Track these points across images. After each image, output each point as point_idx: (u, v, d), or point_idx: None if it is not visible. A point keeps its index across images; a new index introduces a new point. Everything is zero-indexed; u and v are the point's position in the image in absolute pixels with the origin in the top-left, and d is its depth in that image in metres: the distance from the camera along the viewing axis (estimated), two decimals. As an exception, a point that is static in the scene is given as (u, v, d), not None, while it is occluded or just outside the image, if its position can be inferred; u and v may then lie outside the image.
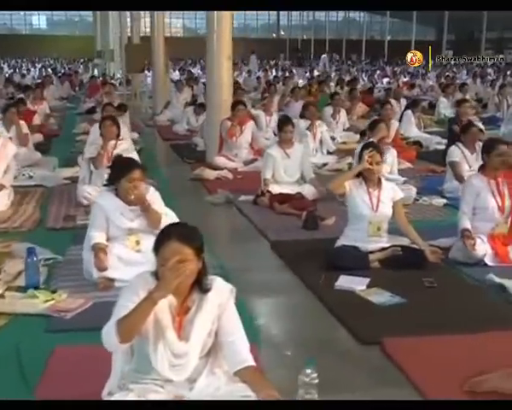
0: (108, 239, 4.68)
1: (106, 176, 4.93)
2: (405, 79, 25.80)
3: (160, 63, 15.83)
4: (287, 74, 25.53)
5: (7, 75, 25.75)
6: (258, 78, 23.49)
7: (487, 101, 16.26)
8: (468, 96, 15.91)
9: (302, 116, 9.41)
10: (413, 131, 11.19)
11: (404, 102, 13.40)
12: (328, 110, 11.26)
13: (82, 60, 41.19)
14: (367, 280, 4.72)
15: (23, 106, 11.00)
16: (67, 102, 18.80)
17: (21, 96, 13.13)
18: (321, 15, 56.46)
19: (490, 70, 31.21)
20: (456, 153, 7.19)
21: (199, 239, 2.85)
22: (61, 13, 56.97)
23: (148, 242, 4.67)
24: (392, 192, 5.14)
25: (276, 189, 7.02)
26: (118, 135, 7.10)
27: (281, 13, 59.95)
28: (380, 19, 56.25)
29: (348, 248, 5.07)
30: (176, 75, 27.42)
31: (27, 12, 56.29)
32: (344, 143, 10.75)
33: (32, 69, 32.52)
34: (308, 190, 6.98)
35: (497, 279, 4.66)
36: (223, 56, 9.03)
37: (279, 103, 14.30)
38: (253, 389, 2.75)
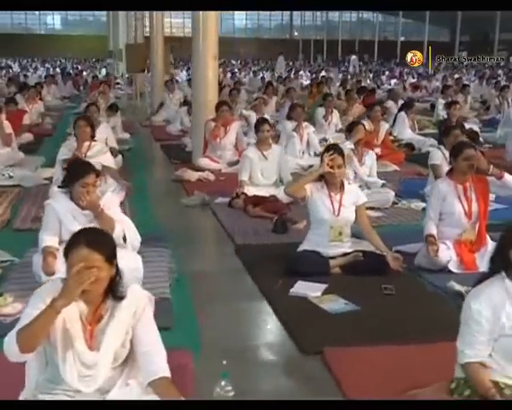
0: (61, 242, 4.59)
1: None
2: (413, 81, 25.56)
3: (159, 63, 15.76)
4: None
5: (10, 74, 25.79)
6: (262, 78, 23.41)
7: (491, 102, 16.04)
8: (469, 98, 15.77)
9: (289, 117, 9.30)
10: (407, 133, 11.03)
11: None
12: (321, 111, 11.12)
13: (94, 59, 41.35)
14: (324, 286, 4.61)
15: (14, 105, 10.96)
16: (69, 101, 18.81)
17: (13, 95, 13.07)
18: (334, 16, 56.23)
19: (500, 71, 30.85)
20: (438, 156, 7.03)
21: (110, 245, 2.77)
22: (75, 13, 57.25)
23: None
24: (354, 196, 5.02)
25: (251, 191, 6.93)
26: (92, 136, 7.02)
27: (294, 13, 59.83)
28: (393, 19, 55.89)
29: (309, 254, 4.95)
30: (184, 75, 27.40)
31: (42, 12, 56.68)
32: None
33: (42, 68, 32.63)
34: (284, 193, 6.85)
35: (457, 286, 4.52)
36: (208, 56, 8.94)
37: (277, 104, 14.20)
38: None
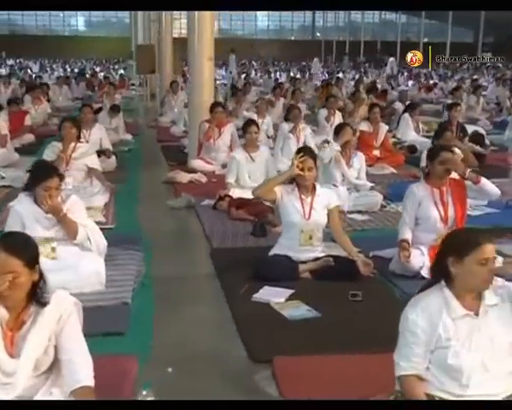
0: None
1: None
2: (432, 82, 25.25)
3: (168, 64, 15.73)
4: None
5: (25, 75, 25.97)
6: (276, 79, 23.30)
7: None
8: (482, 100, 15.51)
9: (286, 119, 9.19)
10: (410, 135, 10.84)
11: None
12: (323, 113, 10.97)
13: (115, 61, 41.58)
14: (290, 292, 4.50)
15: (16, 106, 11.00)
16: (81, 102, 18.83)
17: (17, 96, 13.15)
18: (357, 17, 55.87)
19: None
20: (429, 158, 6.87)
21: (30, 250, 2.71)
22: (98, 14, 57.64)
23: (65, 249, 4.60)
24: (326, 199, 4.90)
25: (238, 193, 6.84)
26: (78, 137, 6.99)
27: (316, 14, 59.61)
28: (416, 21, 55.34)
29: (278, 258, 4.85)
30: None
31: (66, 13, 57.12)
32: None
33: (61, 69, 32.85)
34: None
35: (426, 294, 4.37)
36: (204, 57, 8.86)
37: (284, 107, 14.07)
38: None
